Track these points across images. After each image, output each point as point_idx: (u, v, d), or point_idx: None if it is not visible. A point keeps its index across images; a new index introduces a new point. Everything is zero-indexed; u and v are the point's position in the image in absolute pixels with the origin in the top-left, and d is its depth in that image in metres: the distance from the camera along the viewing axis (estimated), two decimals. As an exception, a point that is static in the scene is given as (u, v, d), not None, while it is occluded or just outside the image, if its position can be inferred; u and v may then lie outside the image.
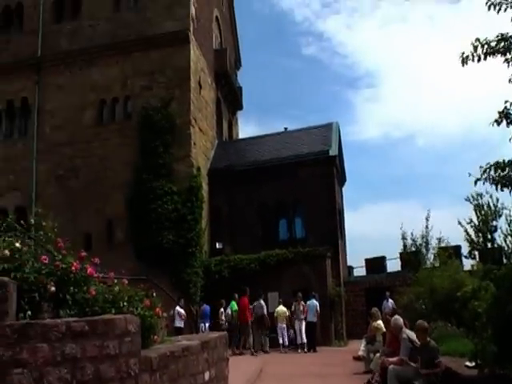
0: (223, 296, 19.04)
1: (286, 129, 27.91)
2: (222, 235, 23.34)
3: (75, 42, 23.80)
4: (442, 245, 18.82)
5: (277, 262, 21.06)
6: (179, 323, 17.50)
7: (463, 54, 6.90)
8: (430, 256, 19.45)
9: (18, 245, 4.10)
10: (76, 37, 23.91)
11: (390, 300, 19.31)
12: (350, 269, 27.52)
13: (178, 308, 17.47)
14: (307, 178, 22.68)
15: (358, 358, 12.37)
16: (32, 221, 5.04)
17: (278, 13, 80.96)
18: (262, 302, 18.27)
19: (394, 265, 24.45)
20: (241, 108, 32.78)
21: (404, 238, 21.23)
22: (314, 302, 18.47)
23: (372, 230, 55.19)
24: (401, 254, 21.54)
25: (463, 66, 6.88)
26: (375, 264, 24.70)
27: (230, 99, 30.12)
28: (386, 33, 76.74)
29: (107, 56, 23.15)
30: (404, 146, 75.41)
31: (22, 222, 4.95)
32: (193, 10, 23.32)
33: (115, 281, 4.91)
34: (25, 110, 24.44)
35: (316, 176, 22.73)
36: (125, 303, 4.50)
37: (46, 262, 4.05)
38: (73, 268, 4.12)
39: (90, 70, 23.35)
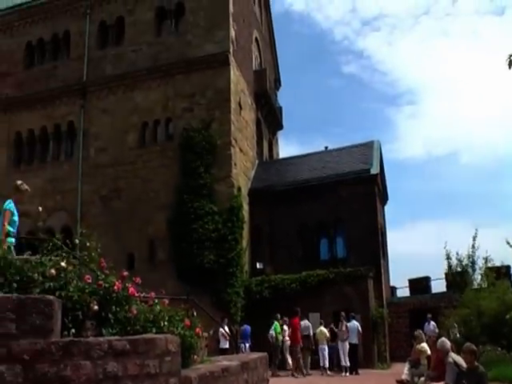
0: (264, 316, 18.90)
1: (326, 148, 27.82)
2: (263, 255, 23.32)
3: (119, 66, 24.48)
4: (490, 265, 18.34)
5: (318, 282, 20.86)
6: (224, 344, 17.20)
7: (511, 56, 6.86)
8: (477, 276, 18.99)
9: (63, 264, 4.20)
10: (119, 62, 24.60)
11: (432, 322, 18.84)
12: (393, 289, 27.01)
13: (221, 329, 17.31)
14: (348, 196, 22.48)
15: (401, 382, 12.04)
16: (77, 241, 5.16)
17: (317, 32, 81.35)
18: (307, 322, 18.11)
19: (438, 285, 23.95)
20: (281, 128, 32.93)
21: (449, 258, 20.82)
22: (355, 324, 18.18)
23: (415, 249, 54.27)
24: (446, 274, 21.09)
25: (510, 68, 6.84)
26: (419, 284, 24.19)
27: (270, 119, 30.30)
28: (427, 48, 76.04)
29: (149, 79, 23.69)
30: (447, 163, 74.07)
31: (67, 241, 5.07)
32: (232, 32, 23.67)
33: (156, 300, 4.96)
34: (71, 133, 25.19)
35: (357, 195, 22.51)
36: (165, 323, 4.54)
37: (90, 281, 4.15)
38: (115, 287, 4.19)
39: (133, 93, 23.93)
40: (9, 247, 4.69)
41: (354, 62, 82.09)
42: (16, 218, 7.42)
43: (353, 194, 22.49)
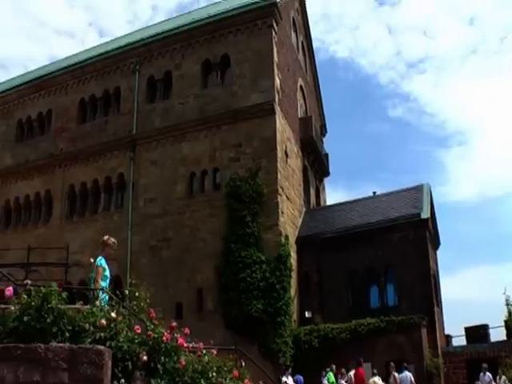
0: (314, 366, 18.46)
1: (374, 193, 27.56)
2: (311, 303, 22.97)
3: (167, 119, 25.20)
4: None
5: (368, 331, 20.33)
6: None
7: None
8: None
9: (113, 314, 4.26)
10: (167, 114, 25.34)
11: (488, 373, 17.94)
12: (449, 338, 25.94)
13: (284, 378, 16.92)
14: (399, 242, 22.06)
15: None
16: (126, 291, 5.23)
17: (362, 77, 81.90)
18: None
19: (498, 333, 22.85)
20: (328, 174, 32.93)
21: (508, 304, 19.99)
22: (408, 375, 17.47)
23: (471, 295, 52.29)
24: (506, 321, 20.19)
25: None
26: (476, 333, 23.14)
27: (316, 166, 30.38)
28: (475, 87, 75.22)
29: (196, 131, 24.24)
30: (502, 204, 71.77)
31: (117, 291, 5.15)
32: (277, 82, 24.08)
33: (204, 351, 4.94)
34: (121, 184, 25.88)
35: (408, 240, 22.07)
36: (214, 373, 4.50)
37: (139, 331, 4.18)
38: (164, 338, 4.22)
39: (181, 144, 24.50)
40: (63, 298, 4.79)
41: (401, 105, 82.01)
42: (107, 274, 7.59)
43: (403, 240, 22.06)
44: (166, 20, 35.88)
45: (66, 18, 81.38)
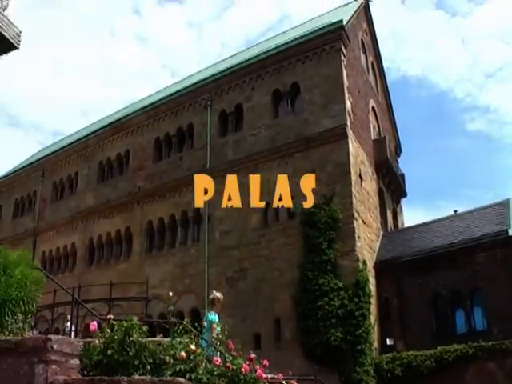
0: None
1: (455, 211, 26.49)
2: (393, 330, 22.19)
3: (239, 151, 25.56)
4: None
5: (455, 358, 19.26)
6: None
7: None
8: None
9: (192, 347, 4.27)
10: (240, 146, 25.71)
11: None
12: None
13: None
14: (485, 262, 20.95)
15: None
16: (205, 323, 5.26)
17: (436, 93, 79.88)
18: None
19: None
20: (405, 195, 32.14)
21: None
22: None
23: None
24: None
25: None
26: None
27: (392, 188, 29.76)
28: None
29: (269, 160, 24.38)
30: None
31: (196, 324, 5.18)
32: (348, 105, 23.91)
33: (284, 382, 4.85)
34: (197, 218, 26.35)
35: (495, 260, 20.91)
36: (295, 404, 4.40)
37: (218, 363, 4.16)
38: (243, 369, 4.17)
39: (254, 175, 24.66)
40: (144, 331, 4.86)
41: (480, 117, 79.04)
42: (219, 329, 7.73)
43: (490, 259, 20.93)
44: (234, 54, 36.78)
45: (140, 61, 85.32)
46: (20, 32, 19.93)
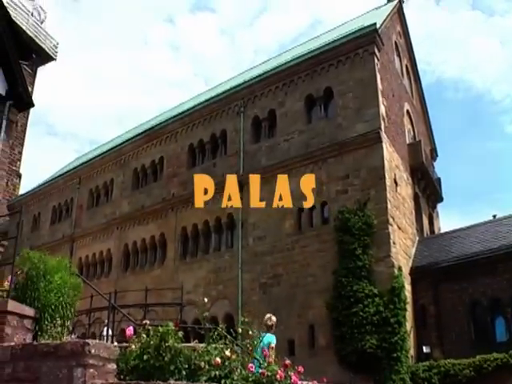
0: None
1: (494, 216, 25.87)
2: (429, 338, 21.76)
3: (272, 157, 25.55)
4: None
5: (495, 367, 18.76)
6: None
7: None
8: None
9: (227, 353, 4.27)
10: (273, 152, 25.71)
11: None
12: None
13: None
14: (525, 269, 20.45)
15: None
16: (239, 329, 5.25)
17: (473, 96, 78.62)
18: None
19: None
20: (441, 200, 31.62)
21: None
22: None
23: None
24: None
25: None
26: None
27: (428, 192, 29.32)
28: None
29: (302, 166, 24.28)
30: None
31: (230, 330, 5.18)
32: (382, 109, 23.67)
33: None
34: (231, 224, 26.44)
35: (538, 266, 20.39)
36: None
37: (253, 369, 4.15)
38: (278, 376, 4.15)
39: (287, 181, 24.61)
40: (179, 337, 4.89)
41: (520, 119, 77.19)
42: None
43: (532, 266, 20.41)
44: (267, 60, 36.88)
45: (174, 69, 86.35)
46: (57, 43, 20.47)
